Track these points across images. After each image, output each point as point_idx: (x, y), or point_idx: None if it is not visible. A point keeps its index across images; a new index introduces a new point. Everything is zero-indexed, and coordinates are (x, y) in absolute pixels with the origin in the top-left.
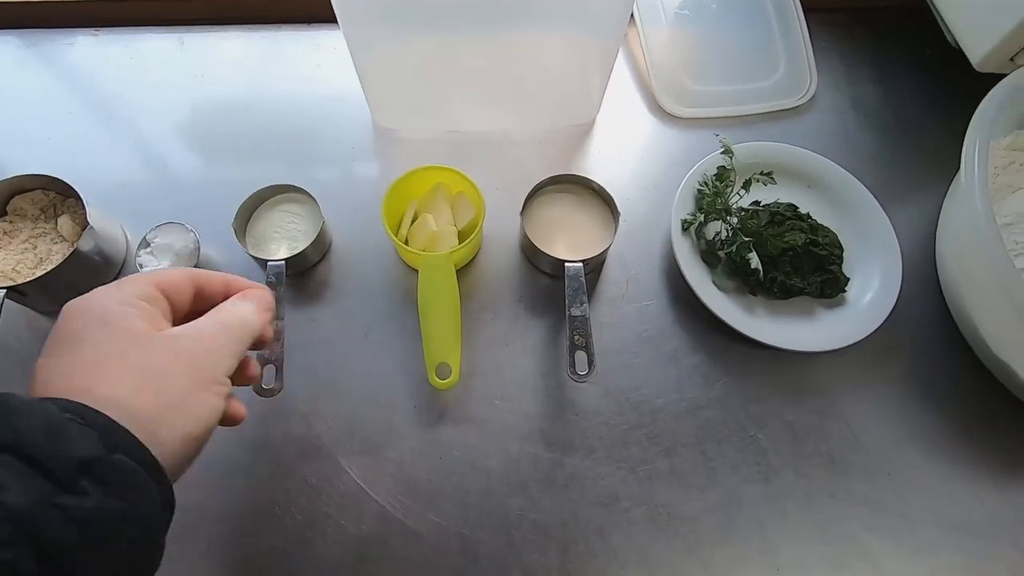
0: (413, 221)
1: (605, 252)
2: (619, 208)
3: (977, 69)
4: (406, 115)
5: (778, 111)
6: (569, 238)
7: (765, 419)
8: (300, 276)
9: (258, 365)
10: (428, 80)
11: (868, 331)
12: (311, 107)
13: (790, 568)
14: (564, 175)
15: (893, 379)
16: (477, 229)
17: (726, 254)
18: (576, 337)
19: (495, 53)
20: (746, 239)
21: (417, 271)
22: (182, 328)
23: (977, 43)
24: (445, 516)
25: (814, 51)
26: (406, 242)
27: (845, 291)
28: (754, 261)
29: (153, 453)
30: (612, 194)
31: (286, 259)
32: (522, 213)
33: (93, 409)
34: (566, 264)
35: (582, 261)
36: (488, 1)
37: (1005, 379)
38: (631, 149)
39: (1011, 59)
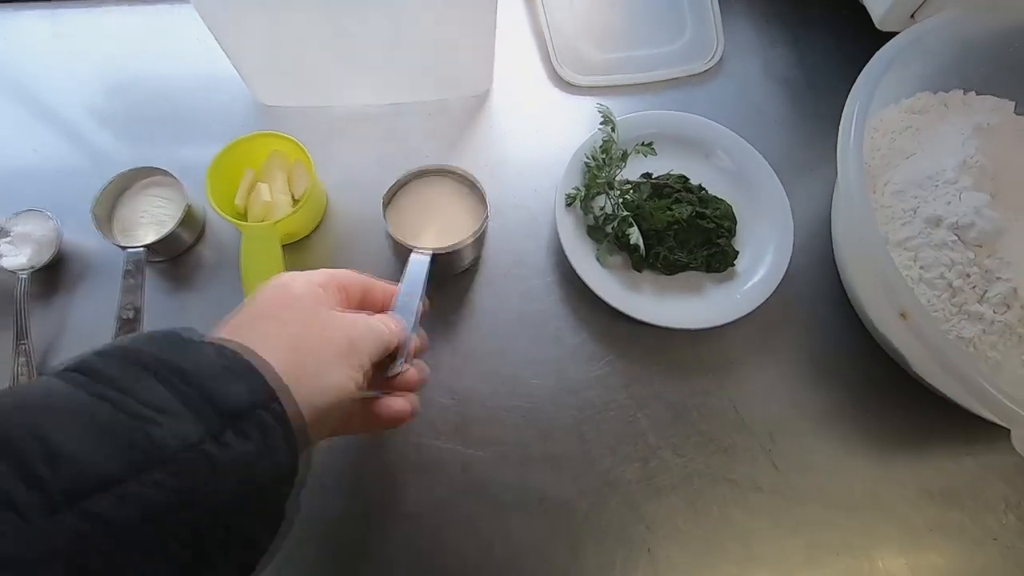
0: (251, 191)
1: (463, 244)
2: (496, 192)
3: (878, 28)
4: (285, 91)
5: (684, 77)
6: (440, 227)
7: (647, 399)
8: (175, 260)
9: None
10: (301, 54)
11: (751, 308)
12: (193, 85)
13: (662, 548)
14: (429, 168)
15: (782, 357)
16: (306, 197)
17: (611, 229)
18: None
19: (367, 20)
20: (626, 213)
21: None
22: (342, 313)
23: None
24: (306, 502)
25: (724, 13)
26: (245, 211)
27: (734, 265)
28: (634, 236)
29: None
30: (495, 175)
31: (151, 244)
32: (388, 204)
33: (254, 365)
34: (412, 254)
35: (431, 251)
36: None
37: (893, 354)
38: (527, 121)
39: (911, 16)
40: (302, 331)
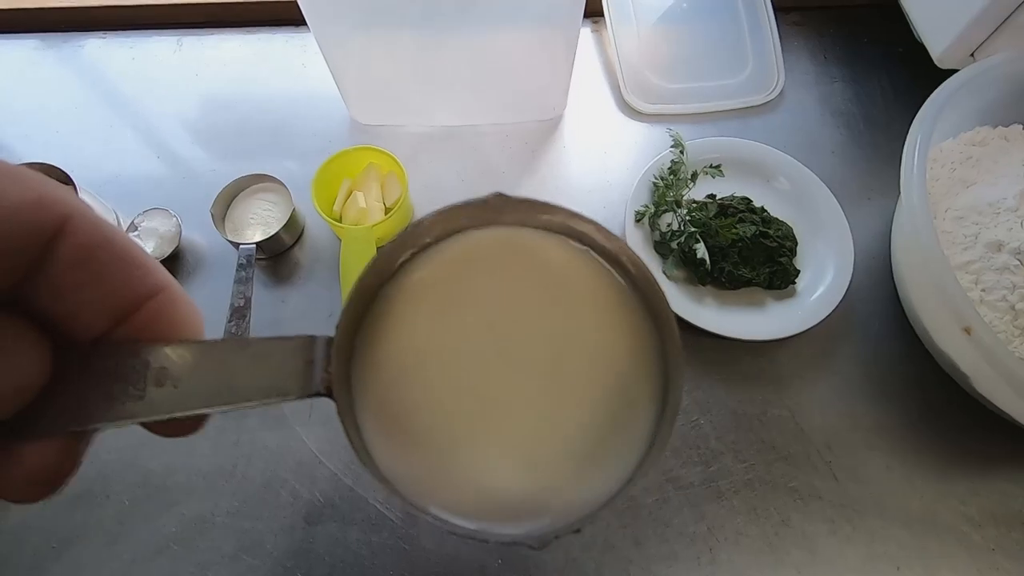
0: (348, 198)
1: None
2: (590, 215)
3: (938, 65)
4: (378, 111)
5: (745, 108)
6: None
7: (709, 405)
8: (275, 259)
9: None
10: (396, 77)
11: (811, 324)
12: (295, 104)
13: (723, 548)
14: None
15: (841, 371)
16: (398, 205)
17: (677, 245)
18: None
19: (456, 49)
20: (693, 230)
21: None
22: None
23: (937, 38)
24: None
25: (784, 49)
26: (340, 217)
27: (794, 283)
28: (700, 251)
29: None
30: (566, 193)
31: (258, 242)
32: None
33: None
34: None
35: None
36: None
37: (953, 373)
38: (597, 144)
39: (971, 54)
40: None
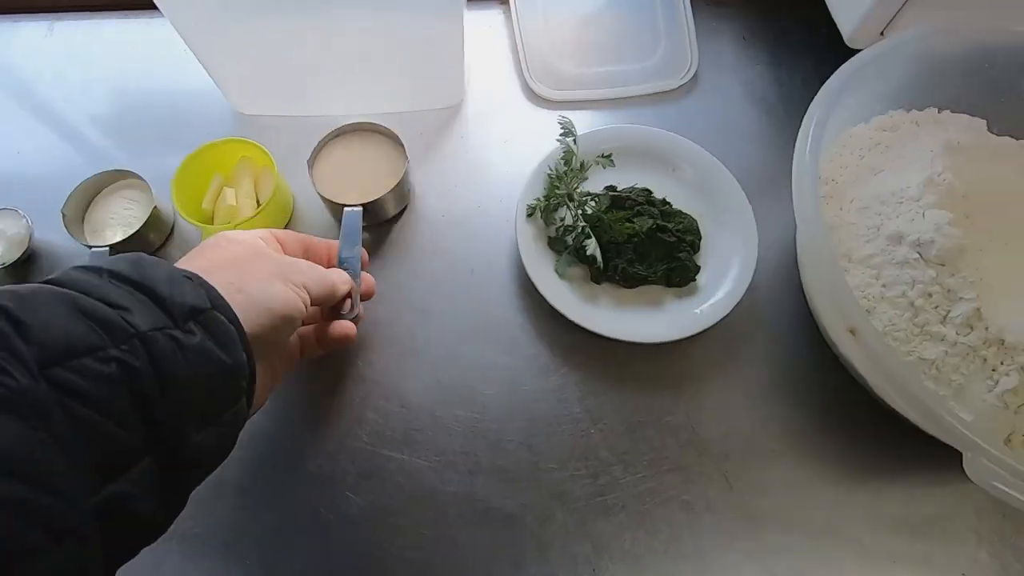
0: (219, 194)
1: (390, 193)
2: (462, 201)
3: (849, 45)
4: (262, 101)
5: (658, 93)
6: (361, 186)
7: (601, 414)
8: None
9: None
10: (276, 66)
11: (711, 323)
12: (175, 94)
13: (607, 569)
14: (349, 125)
15: (744, 375)
16: (270, 200)
17: (572, 240)
18: None
19: (337, 34)
20: (583, 224)
21: None
22: (283, 255)
23: (847, 16)
24: (247, 509)
25: (702, 32)
26: (212, 214)
27: (695, 280)
28: (591, 247)
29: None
30: (462, 185)
31: (116, 244)
32: (312, 163)
33: (201, 277)
34: (344, 209)
35: (361, 205)
36: None
37: (856, 377)
38: (498, 133)
39: (881, 33)
40: (240, 256)
